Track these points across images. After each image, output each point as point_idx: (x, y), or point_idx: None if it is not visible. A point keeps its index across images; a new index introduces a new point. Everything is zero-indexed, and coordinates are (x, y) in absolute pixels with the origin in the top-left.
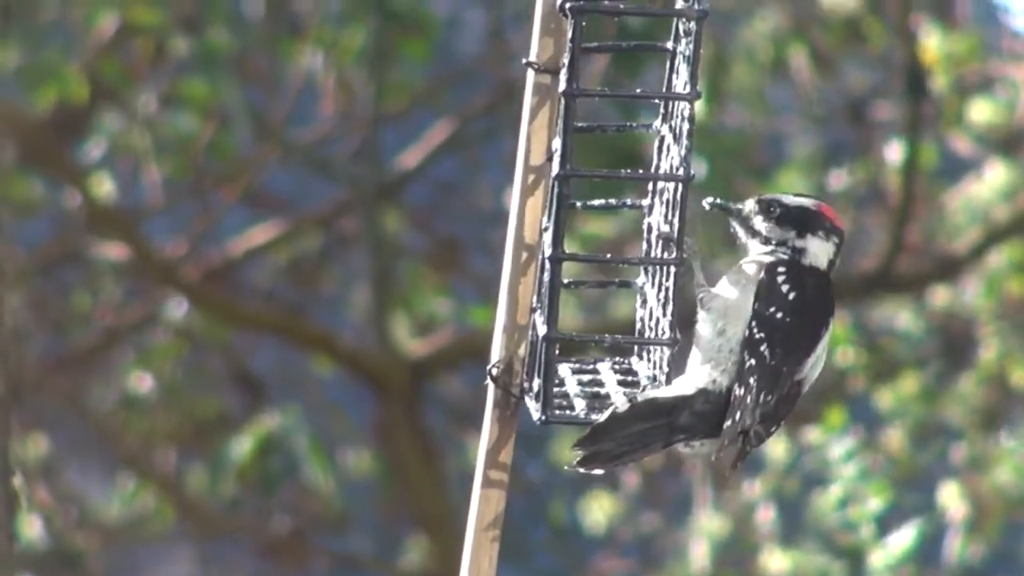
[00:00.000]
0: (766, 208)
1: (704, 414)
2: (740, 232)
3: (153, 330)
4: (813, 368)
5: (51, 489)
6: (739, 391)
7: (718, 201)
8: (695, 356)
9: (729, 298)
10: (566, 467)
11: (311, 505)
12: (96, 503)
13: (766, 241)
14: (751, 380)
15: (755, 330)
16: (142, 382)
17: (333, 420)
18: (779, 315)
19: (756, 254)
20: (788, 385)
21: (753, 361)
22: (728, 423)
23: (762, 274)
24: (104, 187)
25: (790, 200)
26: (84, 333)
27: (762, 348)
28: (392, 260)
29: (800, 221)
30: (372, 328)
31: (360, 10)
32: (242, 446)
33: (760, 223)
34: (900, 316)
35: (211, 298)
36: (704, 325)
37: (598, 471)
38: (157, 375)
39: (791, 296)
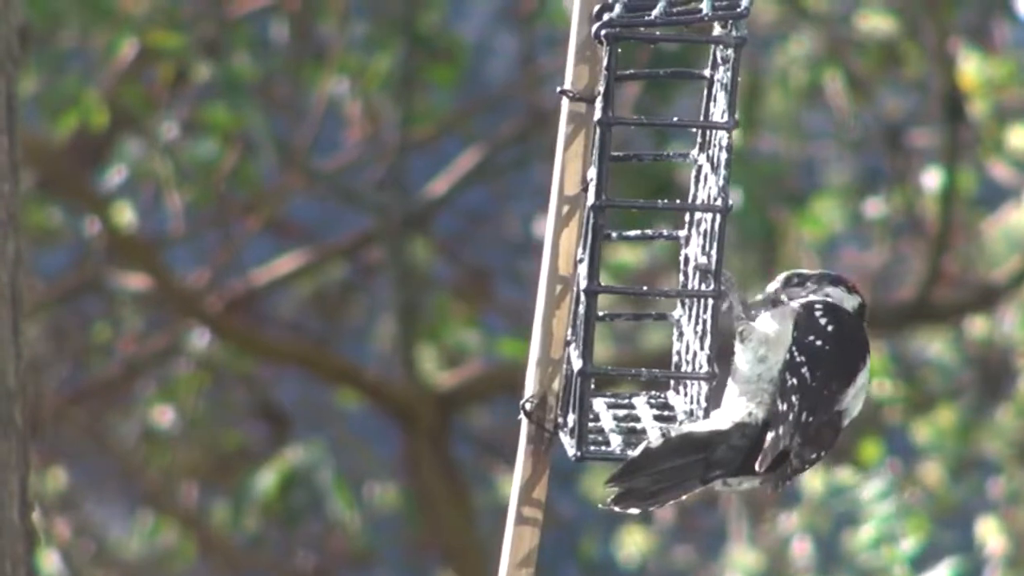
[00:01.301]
0: (788, 279)
1: (741, 448)
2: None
3: (175, 362)
4: (855, 400)
5: (70, 524)
6: (782, 407)
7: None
8: (731, 389)
9: (769, 328)
10: (600, 505)
11: (336, 540)
12: (116, 538)
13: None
14: (793, 398)
15: (796, 354)
16: (163, 415)
17: (358, 453)
18: (818, 343)
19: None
20: (830, 412)
21: (795, 380)
22: (770, 436)
23: (800, 309)
24: (125, 215)
25: (810, 271)
26: (104, 365)
27: (803, 370)
28: (419, 291)
29: (820, 279)
30: (398, 360)
31: (387, 35)
32: (265, 480)
33: (783, 291)
34: (936, 347)
35: (234, 329)
36: (743, 354)
37: (633, 510)
38: (179, 408)
39: (829, 328)
